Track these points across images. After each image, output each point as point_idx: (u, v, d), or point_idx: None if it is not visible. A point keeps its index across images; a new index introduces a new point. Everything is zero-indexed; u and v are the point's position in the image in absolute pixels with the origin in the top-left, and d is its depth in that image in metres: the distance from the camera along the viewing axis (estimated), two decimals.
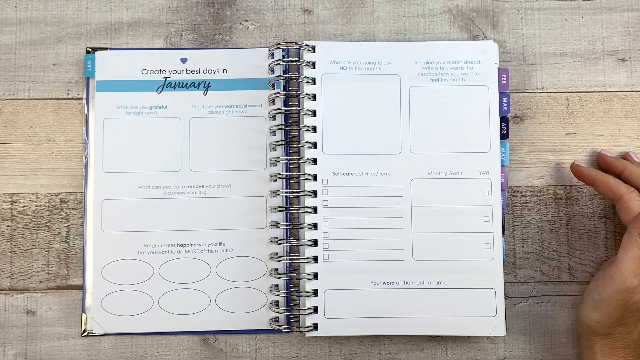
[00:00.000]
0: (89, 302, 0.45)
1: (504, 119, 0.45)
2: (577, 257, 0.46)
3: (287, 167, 0.45)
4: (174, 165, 0.46)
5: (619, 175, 0.44)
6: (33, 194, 0.46)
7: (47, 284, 0.45)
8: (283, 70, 0.46)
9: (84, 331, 0.45)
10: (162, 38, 0.47)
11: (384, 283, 0.44)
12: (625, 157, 0.46)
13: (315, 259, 0.44)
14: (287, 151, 0.45)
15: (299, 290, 0.44)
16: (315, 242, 0.44)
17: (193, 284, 0.45)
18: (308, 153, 0.45)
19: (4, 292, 0.45)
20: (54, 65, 0.47)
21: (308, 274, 0.44)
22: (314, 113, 0.45)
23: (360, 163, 0.44)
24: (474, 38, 0.47)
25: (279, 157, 0.45)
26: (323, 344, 0.46)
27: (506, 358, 0.46)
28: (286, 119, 0.45)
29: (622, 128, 0.47)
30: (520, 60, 0.47)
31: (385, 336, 0.45)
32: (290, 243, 0.45)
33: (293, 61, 0.46)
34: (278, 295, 0.44)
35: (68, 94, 0.47)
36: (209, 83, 0.46)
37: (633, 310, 0.39)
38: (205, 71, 0.46)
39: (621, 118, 0.47)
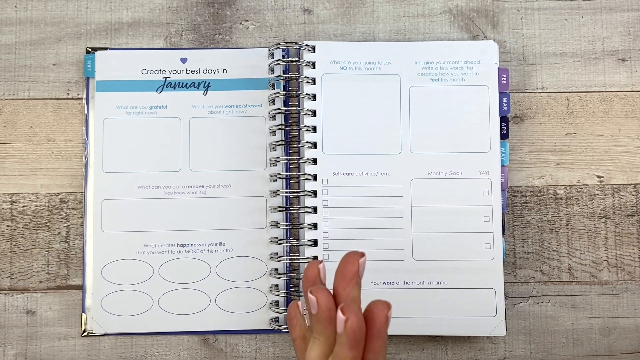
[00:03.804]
0: (89, 302, 0.45)
1: (504, 119, 0.45)
2: (577, 257, 0.46)
3: (287, 167, 0.45)
4: (174, 165, 0.46)
5: None
6: (33, 194, 0.46)
7: (47, 284, 0.45)
8: (283, 70, 0.46)
9: (84, 331, 0.45)
10: (162, 38, 0.47)
11: (384, 283, 0.44)
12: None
13: (315, 259, 0.44)
14: (287, 151, 0.45)
15: (299, 290, 0.44)
16: (315, 242, 0.44)
17: (193, 284, 0.45)
18: (308, 153, 0.45)
19: (4, 292, 0.45)
20: (54, 65, 0.47)
21: None
22: (314, 113, 0.45)
23: (360, 163, 0.44)
24: (474, 38, 0.47)
25: (279, 157, 0.45)
26: None
27: (506, 358, 0.46)
28: (286, 119, 0.45)
29: (622, 128, 0.47)
30: (520, 60, 0.47)
31: None
32: (290, 243, 0.45)
33: (293, 61, 0.46)
34: (278, 295, 0.44)
35: (68, 94, 0.47)
36: (209, 83, 0.46)
37: None
38: (205, 71, 0.46)
39: (621, 118, 0.47)
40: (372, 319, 0.29)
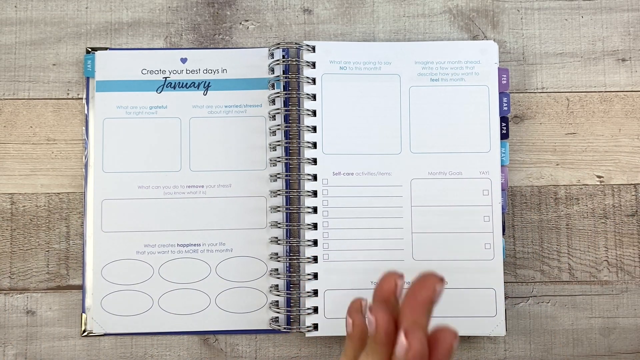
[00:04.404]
0: (89, 302, 0.45)
1: (504, 119, 0.45)
2: (577, 257, 0.46)
3: (287, 167, 0.45)
4: (174, 165, 0.46)
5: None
6: (33, 194, 0.46)
7: (47, 284, 0.45)
8: (283, 70, 0.46)
9: (84, 331, 0.45)
10: (162, 38, 0.47)
11: None
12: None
13: (315, 259, 0.44)
14: (287, 151, 0.45)
15: (299, 290, 0.44)
16: (315, 242, 0.44)
17: (193, 284, 0.45)
18: (308, 153, 0.45)
19: (4, 292, 0.45)
20: (54, 65, 0.47)
21: (308, 274, 0.44)
22: (314, 113, 0.45)
23: (360, 163, 0.44)
24: (474, 38, 0.47)
25: (279, 157, 0.45)
26: (323, 344, 0.46)
27: (506, 358, 0.46)
28: (286, 119, 0.45)
29: (622, 128, 0.47)
30: (520, 60, 0.47)
31: None
32: (290, 243, 0.45)
33: (293, 61, 0.46)
34: (278, 295, 0.44)
35: (68, 94, 0.47)
36: (209, 83, 0.46)
37: None
38: (205, 71, 0.46)
39: (621, 118, 0.47)
40: (436, 346, 0.26)
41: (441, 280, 0.27)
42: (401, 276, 0.29)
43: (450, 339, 0.26)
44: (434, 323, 0.43)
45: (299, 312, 0.44)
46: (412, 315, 0.27)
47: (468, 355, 0.46)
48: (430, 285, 0.27)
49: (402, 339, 0.25)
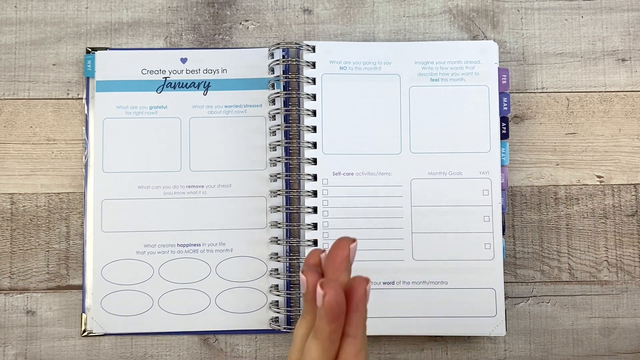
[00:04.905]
0: (89, 302, 0.45)
1: (504, 119, 0.45)
2: (577, 257, 0.46)
3: (287, 167, 0.45)
4: (174, 165, 0.46)
5: None
6: (33, 194, 0.46)
7: (47, 284, 0.45)
8: (283, 70, 0.46)
9: (84, 331, 0.45)
10: (162, 38, 0.47)
11: (384, 283, 0.44)
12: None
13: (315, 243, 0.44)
14: (287, 151, 0.45)
15: (299, 290, 0.44)
16: (315, 242, 0.44)
17: (193, 284, 0.45)
18: (308, 153, 0.45)
19: (4, 292, 0.45)
20: (54, 65, 0.47)
21: None
22: (314, 113, 0.45)
23: (360, 163, 0.44)
24: (474, 38, 0.47)
25: (279, 157, 0.45)
26: None
27: (506, 358, 0.46)
28: (286, 119, 0.45)
29: (622, 128, 0.47)
30: (520, 60, 0.47)
31: (385, 336, 0.45)
32: (290, 243, 0.45)
33: (293, 61, 0.46)
34: (278, 295, 0.44)
35: (68, 94, 0.47)
36: (209, 83, 0.46)
37: None
38: (205, 71, 0.46)
39: (621, 118, 0.47)
40: (352, 293, 0.29)
41: (354, 240, 0.30)
42: (324, 251, 0.32)
43: (363, 284, 0.29)
44: (434, 323, 0.43)
45: (299, 312, 0.44)
46: (333, 274, 0.30)
47: (468, 355, 0.46)
48: (344, 246, 0.30)
49: (318, 289, 0.28)
